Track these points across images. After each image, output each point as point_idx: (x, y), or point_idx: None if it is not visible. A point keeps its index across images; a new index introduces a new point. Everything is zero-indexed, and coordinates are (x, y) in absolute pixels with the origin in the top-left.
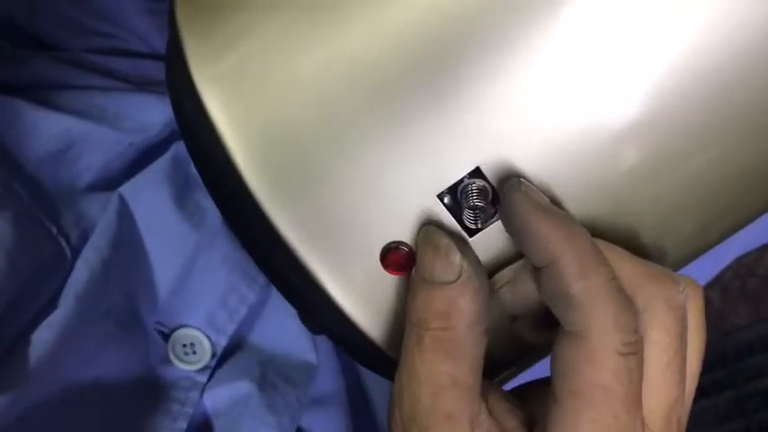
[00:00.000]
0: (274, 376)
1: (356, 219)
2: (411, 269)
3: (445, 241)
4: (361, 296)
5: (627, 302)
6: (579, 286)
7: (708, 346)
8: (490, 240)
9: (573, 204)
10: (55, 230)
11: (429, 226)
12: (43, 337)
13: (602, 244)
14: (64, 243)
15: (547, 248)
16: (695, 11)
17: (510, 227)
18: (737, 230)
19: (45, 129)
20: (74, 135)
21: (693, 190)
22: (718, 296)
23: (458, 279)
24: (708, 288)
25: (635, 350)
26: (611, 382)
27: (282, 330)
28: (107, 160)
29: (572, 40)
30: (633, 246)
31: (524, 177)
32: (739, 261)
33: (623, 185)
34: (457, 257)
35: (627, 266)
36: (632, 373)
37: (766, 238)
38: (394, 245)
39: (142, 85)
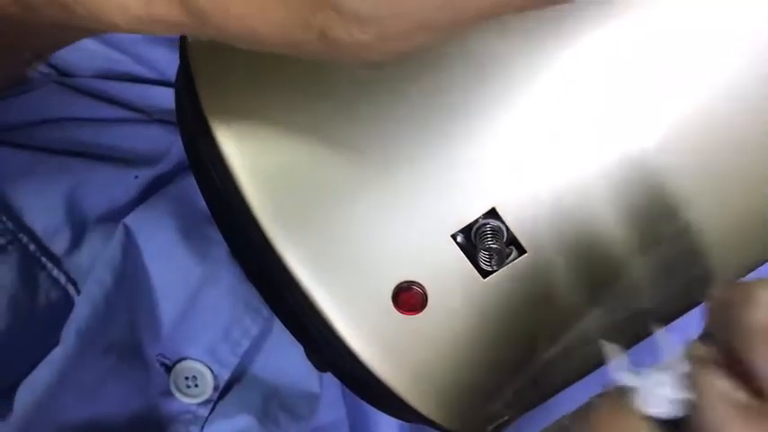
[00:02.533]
0: (276, 410)
1: (368, 257)
2: (423, 309)
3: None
4: (371, 335)
5: None
6: None
7: None
8: (505, 282)
9: (589, 241)
10: (63, 280)
11: (618, 396)
12: (42, 376)
13: None
14: (72, 290)
15: None
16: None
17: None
18: (753, 269)
19: (48, 184)
20: (81, 177)
21: (705, 230)
22: None
23: None
24: None
25: None
26: None
27: (285, 361)
28: (113, 194)
29: (577, 84)
30: (650, 282)
31: (542, 217)
32: None
33: (637, 227)
34: None
35: None
36: None
37: None
38: (406, 284)
39: (151, 113)
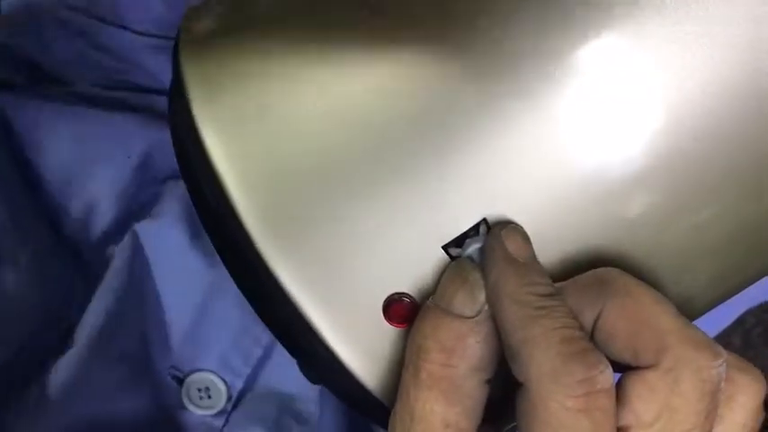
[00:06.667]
0: (289, 419)
1: (358, 268)
2: (413, 321)
3: (476, 275)
4: (361, 348)
5: (575, 354)
6: (517, 336)
7: None
8: None
9: (582, 253)
10: (71, 271)
11: (463, 259)
12: (58, 377)
13: (647, 295)
14: (82, 285)
15: (494, 296)
16: (694, 67)
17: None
18: (753, 282)
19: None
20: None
21: (705, 239)
22: (740, 342)
23: (475, 316)
24: (729, 333)
25: (591, 407)
26: None
27: (294, 366)
28: (119, 189)
29: (574, 93)
30: None
31: (532, 228)
32: (761, 307)
33: (632, 235)
34: (482, 295)
35: (664, 321)
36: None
37: None
38: (397, 296)
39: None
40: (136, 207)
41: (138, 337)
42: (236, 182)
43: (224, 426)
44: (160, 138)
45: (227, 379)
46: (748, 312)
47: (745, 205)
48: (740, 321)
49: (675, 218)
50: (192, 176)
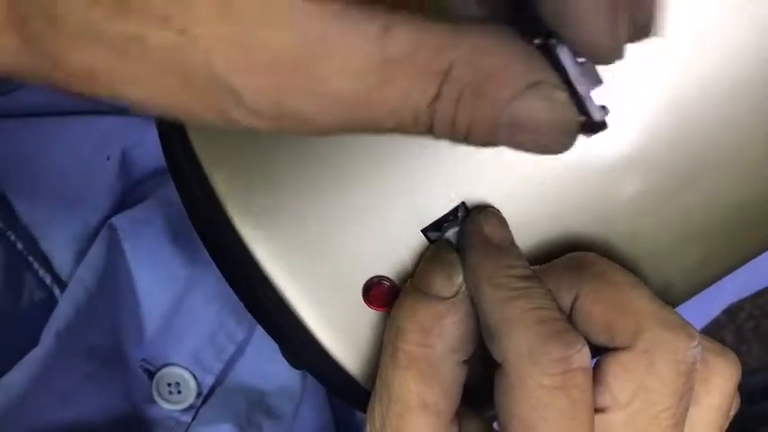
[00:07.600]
0: (260, 416)
1: (339, 253)
2: (393, 304)
3: (453, 257)
4: (342, 331)
5: (552, 334)
6: (495, 318)
7: None
8: None
9: (560, 238)
10: (49, 280)
11: (441, 242)
12: (17, 379)
13: (623, 279)
14: (57, 292)
15: (472, 279)
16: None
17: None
18: (742, 264)
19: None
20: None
21: (694, 221)
22: (732, 337)
23: (452, 297)
24: (721, 328)
25: (568, 384)
26: (531, 417)
27: (268, 362)
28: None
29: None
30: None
31: (511, 211)
32: (753, 302)
33: (612, 221)
34: (459, 277)
35: (640, 304)
36: (563, 410)
37: None
38: (377, 279)
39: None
40: (120, 201)
41: (110, 329)
42: (220, 172)
43: (192, 421)
44: (138, 137)
45: (197, 375)
46: (738, 307)
47: (726, 194)
48: (731, 316)
49: (655, 205)
50: (178, 170)
